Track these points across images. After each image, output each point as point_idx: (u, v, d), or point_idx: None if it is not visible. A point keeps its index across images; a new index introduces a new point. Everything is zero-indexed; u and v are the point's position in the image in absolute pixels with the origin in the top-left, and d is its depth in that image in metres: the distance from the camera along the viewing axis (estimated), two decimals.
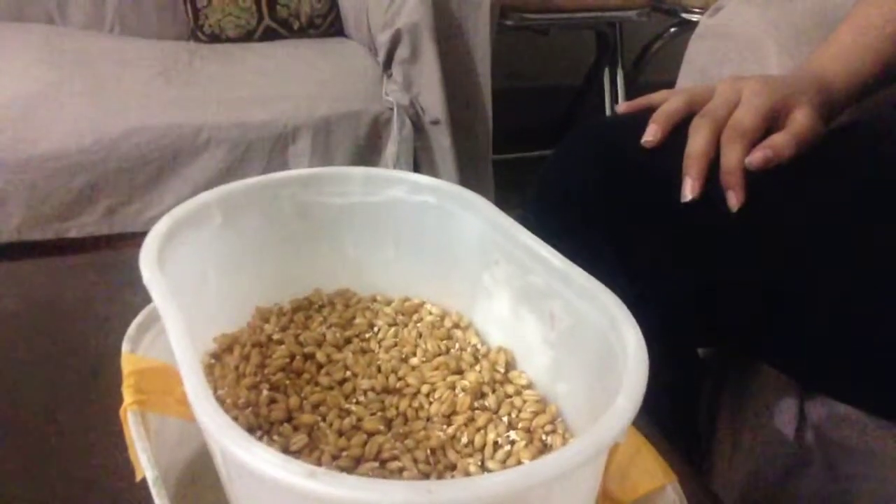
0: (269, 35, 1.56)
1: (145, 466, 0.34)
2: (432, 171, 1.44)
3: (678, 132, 0.54)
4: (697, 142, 0.52)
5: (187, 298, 0.36)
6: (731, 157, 0.51)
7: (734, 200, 0.50)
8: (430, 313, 0.46)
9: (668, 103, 0.56)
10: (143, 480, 0.35)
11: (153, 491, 0.33)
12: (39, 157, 1.15)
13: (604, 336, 0.34)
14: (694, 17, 1.77)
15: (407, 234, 0.47)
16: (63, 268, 0.71)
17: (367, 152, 1.36)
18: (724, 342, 0.65)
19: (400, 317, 0.46)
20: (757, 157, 0.50)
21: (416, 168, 1.40)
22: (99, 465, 0.47)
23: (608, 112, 1.95)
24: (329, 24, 1.60)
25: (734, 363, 0.67)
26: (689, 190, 0.51)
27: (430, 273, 0.47)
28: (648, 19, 1.84)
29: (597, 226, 0.57)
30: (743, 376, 0.66)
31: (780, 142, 0.50)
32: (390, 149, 1.38)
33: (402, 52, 1.37)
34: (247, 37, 1.55)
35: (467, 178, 1.43)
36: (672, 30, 1.89)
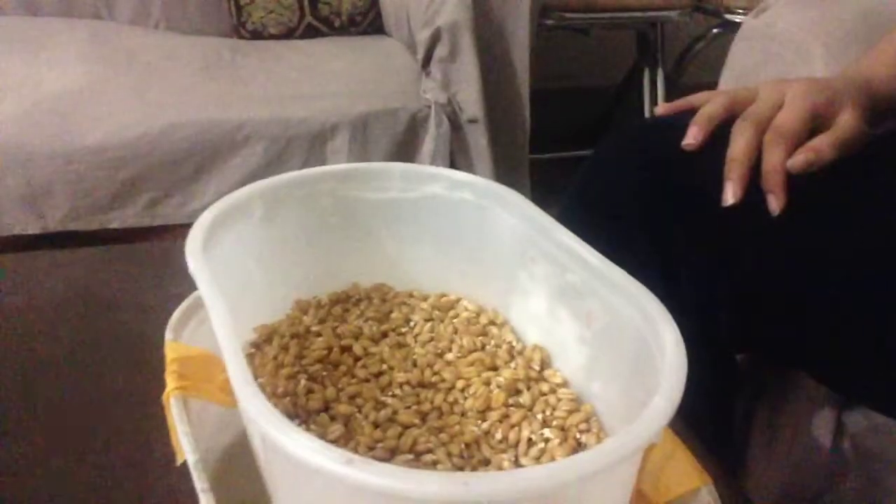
0: (311, 32, 1.58)
1: (187, 450, 0.34)
2: (468, 170, 1.43)
3: (719, 135, 0.54)
4: (739, 144, 0.52)
5: (229, 289, 0.37)
6: (773, 160, 0.50)
7: (775, 204, 0.49)
8: (467, 310, 0.46)
9: (709, 105, 0.56)
10: (182, 466, 0.36)
11: (193, 474, 0.34)
12: (85, 149, 1.18)
13: (641, 335, 0.34)
14: (737, 18, 1.75)
15: (444, 231, 0.47)
16: (106, 258, 0.73)
17: (404, 150, 1.37)
18: (761, 349, 0.64)
19: (436, 312, 0.46)
20: (799, 159, 0.49)
21: (453, 166, 1.40)
22: (138, 449, 0.48)
23: (647, 114, 1.93)
24: (369, 22, 1.61)
25: (771, 370, 0.66)
26: (731, 194, 0.50)
27: (466, 269, 0.47)
28: (690, 20, 1.82)
29: (635, 228, 0.57)
30: (780, 384, 0.65)
31: (823, 144, 0.50)
32: (427, 147, 1.39)
33: (442, 50, 1.37)
34: (288, 34, 1.57)
35: (503, 177, 1.43)
36: (714, 31, 1.87)
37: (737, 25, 1.70)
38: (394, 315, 0.45)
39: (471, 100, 1.39)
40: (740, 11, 1.75)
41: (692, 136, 0.54)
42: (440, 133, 1.37)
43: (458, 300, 0.47)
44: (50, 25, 1.51)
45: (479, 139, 1.42)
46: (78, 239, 1.14)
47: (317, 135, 1.31)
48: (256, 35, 1.56)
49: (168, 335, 0.43)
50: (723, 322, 0.56)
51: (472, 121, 1.40)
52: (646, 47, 1.92)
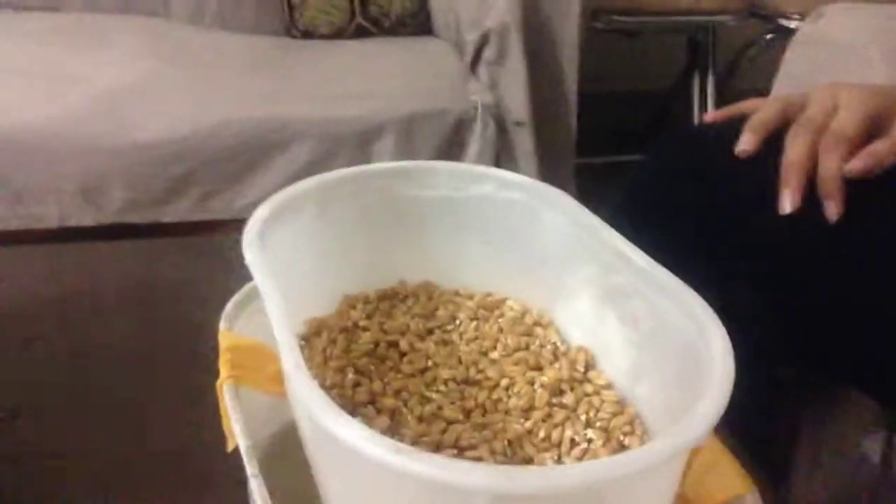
0: (360, 33, 1.60)
1: (238, 436, 0.36)
2: (515, 172, 1.44)
3: (772, 141, 0.53)
4: (795, 150, 0.51)
5: (281, 282, 0.38)
6: (830, 165, 0.49)
7: (833, 211, 0.48)
8: (512, 309, 0.46)
9: (762, 111, 0.55)
10: (233, 452, 0.37)
11: (245, 459, 0.35)
12: (139, 144, 1.21)
13: (688, 339, 0.34)
14: (791, 24, 1.71)
15: (492, 230, 0.47)
16: (160, 250, 0.75)
17: (450, 151, 1.37)
18: (812, 362, 0.63)
19: (481, 311, 0.46)
20: (857, 164, 0.48)
21: (499, 168, 1.40)
22: (190, 436, 0.49)
23: (697, 120, 1.90)
24: (419, 24, 1.62)
25: (819, 383, 0.64)
26: (789, 201, 0.49)
27: (513, 269, 0.47)
28: (744, 24, 1.78)
29: (686, 235, 0.56)
30: (827, 398, 0.64)
31: (882, 149, 0.49)
32: (473, 148, 1.39)
33: (490, 52, 1.38)
34: (338, 34, 1.59)
35: (549, 180, 1.42)
36: (767, 36, 1.83)
37: (790, 31, 1.68)
38: (440, 312, 0.46)
39: (518, 102, 1.39)
40: (795, 17, 1.71)
41: (746, 142, 0.53)
42: (486, 135, 1.37)
43: (504, 300, 0.47)
44: (108, 22, 1.55)
45: (525, 142, 1.41)
46: (131, 232, 1.17)
47: (363, 134, 1.32)
48: (308, 35, 1.58)
49: (222, 324, 0.44)
50: (774, 333, 0.56)
51: (519, 123, 1.40)
52: (697, 52, 1.89)
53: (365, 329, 0.44)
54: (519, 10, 1.35)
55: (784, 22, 1.73)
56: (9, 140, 1.17)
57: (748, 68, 1.93)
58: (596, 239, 0.40)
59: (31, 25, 1.49)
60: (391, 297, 0.48)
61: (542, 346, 0.43)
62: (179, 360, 0.57)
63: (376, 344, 0.43)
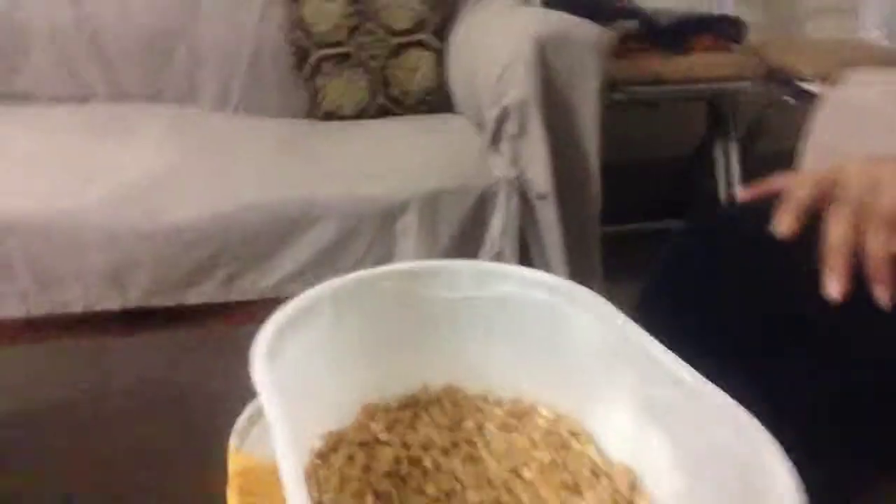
0: (382, 112, 1.62)
1: None
2: (538, 245, 1.42)
3: (810, 220, 0.50)
4: (838, 232, 0.48)
5: (296, 394, 0.35)
6: (879, 248, 0.46)
7: (885, 295, 0.45)
8: (544, 417, 0.43)
9: (798, 190, 0.52)
10: None
11: None
12: (164, 228, 1.22)
13: (744, 464, 0.30)
14: (810, 87, 1.70)
15: (518, 332, 0.45)
16: (177, 344, 0.74)
17: (474, 226, 1.36)
18: (868, 460, 0.58)
19: (511, 420, 0.43)
20: None
21: (522, 242, 1.38)
22: None
23: (721, 185, 1.88)
24: (439, 101, 1.64)
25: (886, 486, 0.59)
26: (835, 287, 0.47)
27: (542, 374, 0.44)
28: (762, 89, 1.78)
29: (723, 321, 0.53)
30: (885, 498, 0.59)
31: None
32: (496, 223, 1.38)
33: (510, 127, 1.38)
34: (361, 114, 1.61)
35: (574, 251, 1.41)
36: (786, 98, 1.81)
37: (809, 93, 1.66)
38: (466, 423, 0.43)
39: (540, 176, 1.38)
40: (813, 80, 1.70)
41: (786, 224, 0.50)
42: (509, 209, 1.36)
43: (535, 407, 0.44)
44: (136, 111, 1.59)
45: (548, 215, 1.40)
46: (150, 321, 1.16)
47: (387, 212, 1.31)
48: (330, 116, 1.60)
49: (233, 441, 0.42)
50: (824, 431, 0.52)
51: (542, 197, 1.38)
52: (717, 117, 1.89)
53: (386, 444, 0.41)
54: (538, 85, 1.35)
55: (802, 85, 1.72)
56: (38, 228, 1.18)
57: (768, 130, 1.91)
58: (630, 344, 0.37)
59: (61, 117, 1.53)
60: (413, 405, 0.45)
61: (579, 462, 0.40)
62: (193, 463, 0.54)
63: (398, 460, 0.40)
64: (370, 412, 0.44)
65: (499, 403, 0.45)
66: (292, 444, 0.30)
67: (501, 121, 1.39)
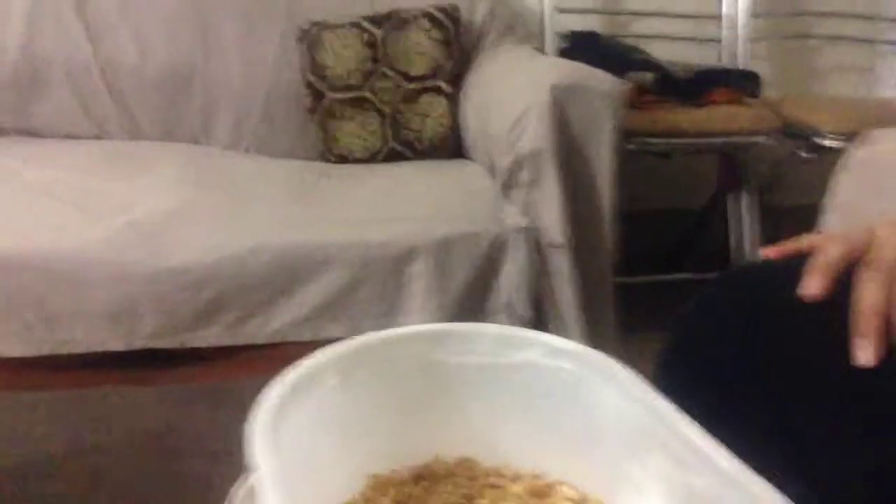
0: (393, 156, 1.61)
1: None
2: (551, 295, 1.39)
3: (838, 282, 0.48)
4: (868, 296, 0.46)
5: (299, 466, 0.33)
6: None
7: None
8: (568, 499, 0.40)
9: (826, 251, 0.50)
10: None
11: None
12: (171, 270, 1.20)
13: None
14: (826, 143, 1.68)
15: (540, 402, 0.42)
16: (177, 397, 0.71)
17: (485, 274, 1.34)
18: None
19: (532, 499, 0.40)
20: None
21: (535, 291, 1.36)
22: None
23: (733, 239, 1.86)
24: (451, 147, 1.63)
25: None
26: (866, 354, 0.44)
27: (564, 449, 0.42)
28: (777, 144, 1.76)
29: (747, 388, 0.51)
30: None
31: None
32: (508, 271, 1.35)
33: (524, 176, 1.37)
34: (372, 158, 1.60)
35: (587, 301, 1.38)
36: (801, 152, 1.80)
37: (825, 149, 1.65)
38: (481, 501, 0.40)
39: (553, 225, 1.36)
40: (830, 136, 1.69)
41: (815, 287, 0.48)
42: (522, 258, 1.34)
43: (557, 484, 0.41)
44: (149, 149, 1.59)
45: (561, 264, 1.38)
46: (151, 373, 1.13)
47: (397, 258, 1.29)
48: (342, 159, 1.60)
49: None
50: None
51: (555, 246, 1.36)
52: (730, 170, 1.88)
53: None
54: (552, 135, 1.34)
55: (818, 140, 1.71)
56: (42, 265, 1.17)
57: (784, 184, 1.90)
58: (666, 426, 0.35)
59: (75, 153, 1.53)
60: (425, 478, 0.42)
61: None
62: None
63: None
64: (380, 485, 0.41)
65: (516, 478, 0.42)
66: None
67: (515, 169, 1.38)
